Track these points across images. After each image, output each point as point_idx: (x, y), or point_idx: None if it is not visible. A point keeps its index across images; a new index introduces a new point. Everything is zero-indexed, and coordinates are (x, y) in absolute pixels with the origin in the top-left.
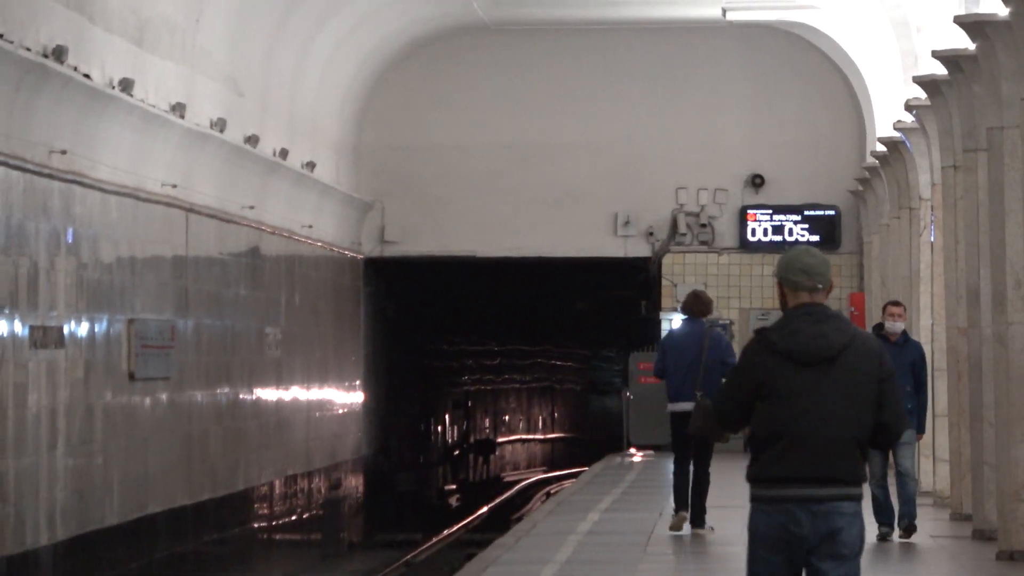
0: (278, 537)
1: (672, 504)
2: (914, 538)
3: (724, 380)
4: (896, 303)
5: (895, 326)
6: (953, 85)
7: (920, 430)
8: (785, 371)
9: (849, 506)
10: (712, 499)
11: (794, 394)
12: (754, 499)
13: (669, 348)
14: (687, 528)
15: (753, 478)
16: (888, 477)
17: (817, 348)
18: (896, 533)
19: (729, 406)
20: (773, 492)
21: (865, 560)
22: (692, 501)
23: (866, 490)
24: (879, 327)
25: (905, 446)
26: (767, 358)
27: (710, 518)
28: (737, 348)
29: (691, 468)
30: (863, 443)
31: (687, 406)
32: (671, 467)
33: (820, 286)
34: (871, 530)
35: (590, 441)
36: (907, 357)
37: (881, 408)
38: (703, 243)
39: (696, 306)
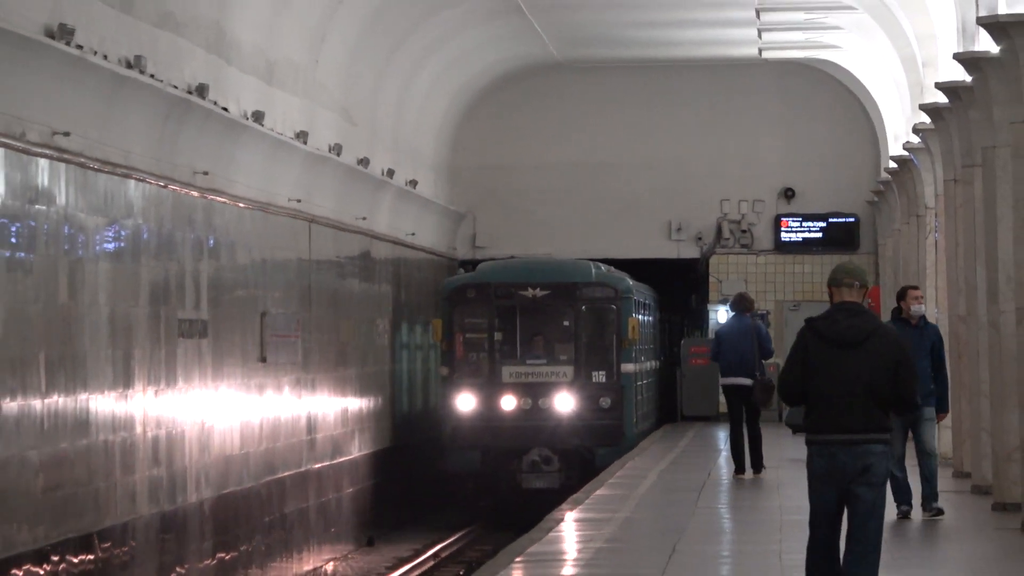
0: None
1: (733, 465)
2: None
3: (785, 361)
4: (915, 287)
5: (919, 309)
6: (953, 111)
7: (941, 409)
8: (826, 350)
9: (878, 447)
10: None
11: (832, 367)
12: (809, 443)
13: (723, 338)
14: (750, 473)
15: (808, 428)
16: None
17: (849, 335)
18: (925, 514)
19: (789, 379)
20: (822, 437)
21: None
22: (751, 453)
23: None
24: (897, 311)
25: (927, 423)
26: (814, 340)
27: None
28: (773, 332)
29: (744, 430)
30: (883, 404)
31: (740, 380)
32: (725, 433)
33: (857, 283)
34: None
35: None
36: (927, 340)
37: (896, 383)
38: (743, 246)
39: (743, 304)
